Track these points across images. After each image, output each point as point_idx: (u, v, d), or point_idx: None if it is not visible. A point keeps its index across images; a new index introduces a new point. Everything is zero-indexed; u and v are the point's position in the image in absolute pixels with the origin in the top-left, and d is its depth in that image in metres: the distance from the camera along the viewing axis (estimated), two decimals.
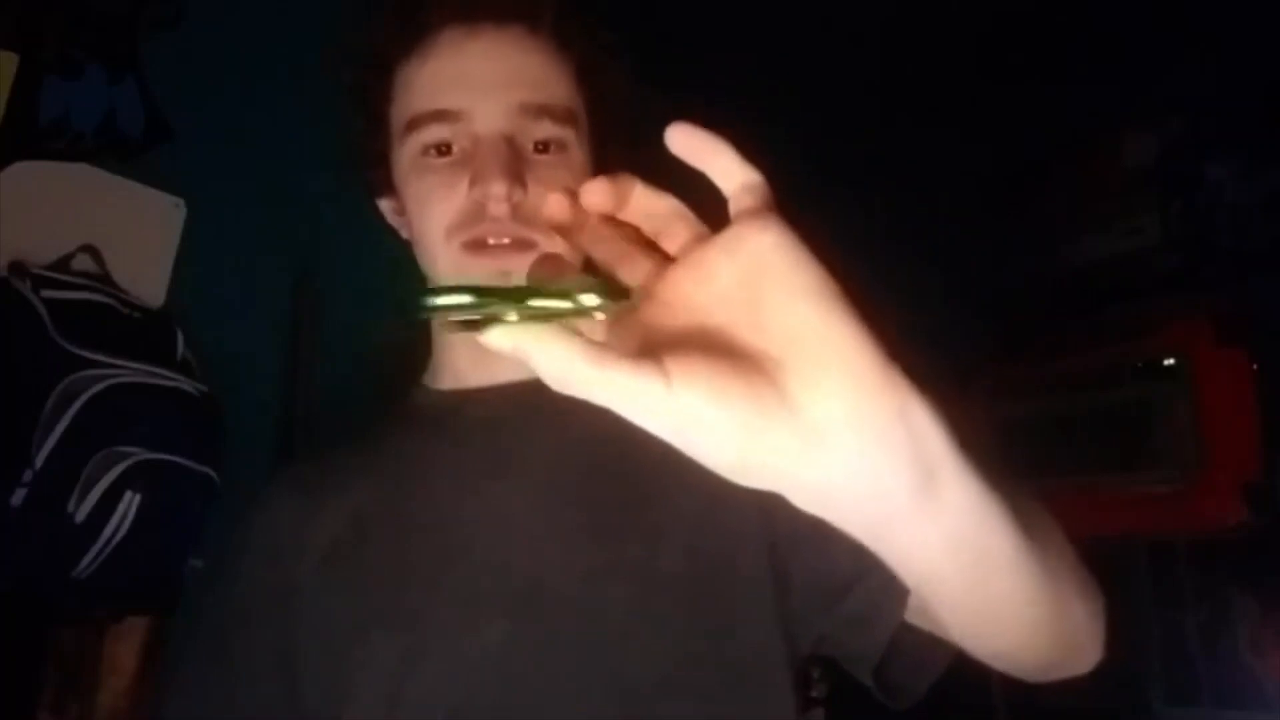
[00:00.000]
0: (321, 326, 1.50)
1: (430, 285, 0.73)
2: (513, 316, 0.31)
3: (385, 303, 1.55)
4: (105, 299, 1.21)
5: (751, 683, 0.62)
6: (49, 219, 1.25)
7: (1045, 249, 2.22)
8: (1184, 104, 1.98)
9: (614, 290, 0.34)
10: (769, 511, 0.33)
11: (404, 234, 0.75)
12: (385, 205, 0.77)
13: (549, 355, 0.30)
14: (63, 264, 1.23)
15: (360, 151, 0.76)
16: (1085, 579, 0.49)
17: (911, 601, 0.58)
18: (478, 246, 0.66)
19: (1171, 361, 1.86)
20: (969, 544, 0.36)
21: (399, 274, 1.61)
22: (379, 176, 0.74)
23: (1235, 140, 1.90)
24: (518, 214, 0.65)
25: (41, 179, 1.26)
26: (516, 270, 0.65)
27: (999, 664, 0.48)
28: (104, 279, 1.25)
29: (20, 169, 1.24)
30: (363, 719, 0.61)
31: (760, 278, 0.32)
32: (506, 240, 0.66)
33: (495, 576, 0.63)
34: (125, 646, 1.23)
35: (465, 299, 0.31)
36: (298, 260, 1.50)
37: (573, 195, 0.36)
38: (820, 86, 2.02)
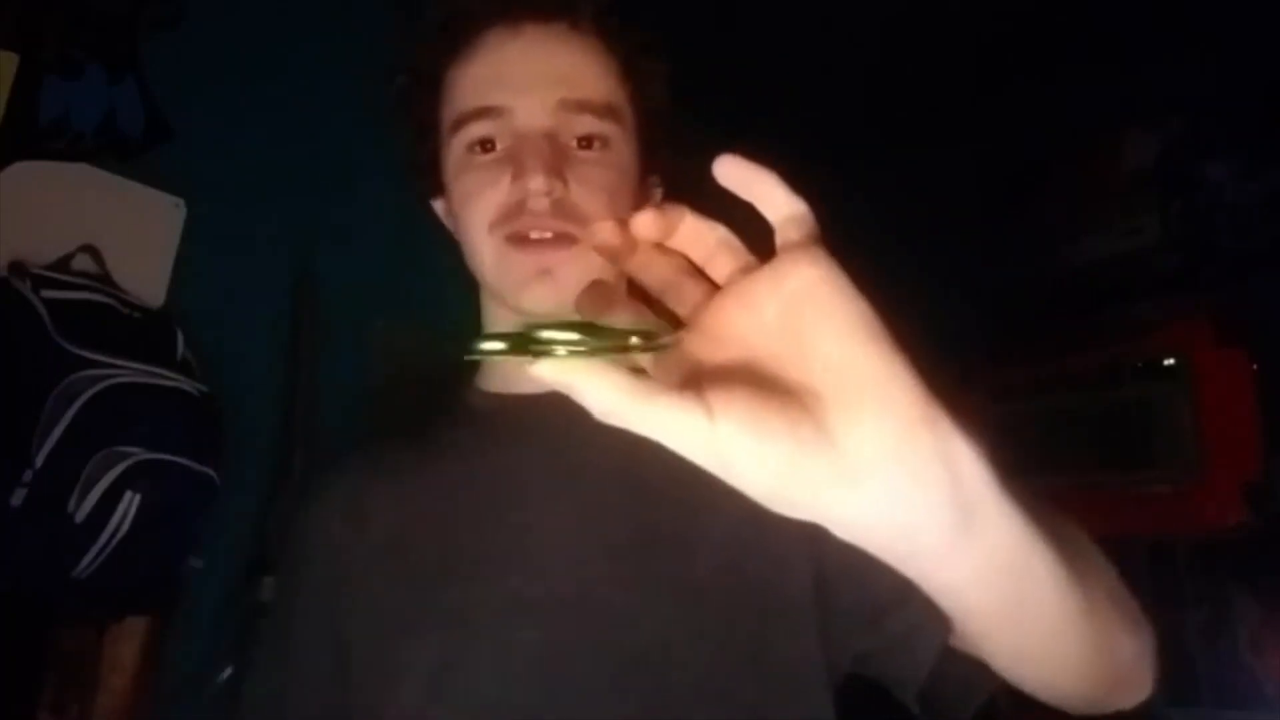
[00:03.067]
0: (321, 326, 1.50)
1: (479, 325, 0.76)
2: (561, 351, 0.32)
3: (385, 302, 1.56)
4: (105, 299, 1.22)
5: (790, 696, 0.62)
6: (49, 219, 1.25)
7: (1045, 249, 2.21)
8: (1184, 104, 1.98)
9: (650, 332, 0.34)
10: (815, 529, 0.33)
11: (454, 234, 0.75)
12: (438, 206, 0.78)
13: (595, 390, 0.31)
14: (63, 264, 1.23)
15: (412, 155, 0.77)
16: (1132, 612, 0.49)
17: (956, 627, 0.57)
18: (519, 241, 0.67)
19: (1171, 361, 1.86)
20: (1008, 581, 0.37)
21: (399, 273, 1.62)
22: (431, 179, 0.75)
23: (1235, 140, 1.90)
24: (558, 209, 0.66)
25: (41, 179, 1.26)
26: (556, 267, 0.66)
27: (1042, 696, 0.48)
28: (104, 279, 1.25)
29: (20, 169, 1.24)
30: (401, 715, 0.62)
31: (804, 311, 0.33)
32: (548, 235, 0.67)
33: (537, 581, 0.64)
34: (125, 646, 1.23)
35: (503, 345, 0.32)
36: (298, 260, 1.51)
37: (623, 223, 0.37)
38: (819, 86, 2.02)
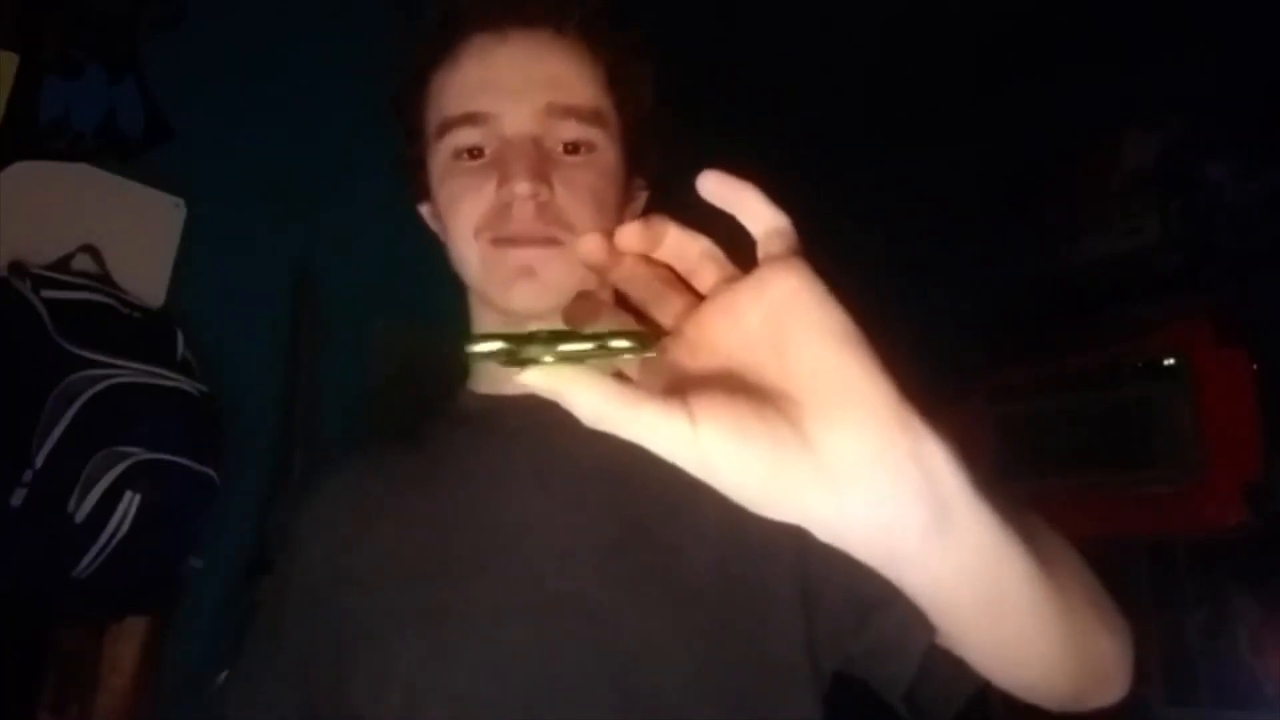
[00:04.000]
0: (321, 326, 1.50)
1: (467, 329, 0.76)
2: (548, 358, 0.33)
3: (385, 302, 1.56)
4: (105, 299, 1.22)
5: (779, 695, 0.63)
6: (49, 219, 1.25)
7: (1045, 249, 2.21)
8: (1184, 104, 1.98)
9: (641, 335, 0.35)
10: (801, 530, 0.35)
11: (441, 238, 0.76)
12: (425, 210, 0.79)
13: (583, 396, 0.32)
14: (63, 264, 1.23)
15: (400, 159, 0.77)
16: (1108, 609, 0.50)
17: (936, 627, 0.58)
18: (503, 242, 0.68)
19: (1171, 361, 1.86)
20: (983, 578, 0.38)
21: (398, 273, 1.62)
22: (418, 182, 0.76)
23: (1235, 140, 1.90)
24: (543, 213, 0.66)
25: (41, 179, 1.26)
26: (539, 267, 0.67)
27: (1020, 694, 0.49)
28: (104, 279, 1.25)
29: (20, 169, 1.24)
30: (388, 713, 0.63)
31: (784, 320, 0.34)
32: (534, 239, 0.67)
33: (525, 581, 0.64)
34: (125, 646, 1.23)
35: (499, 346, 0.33)
36: (298, 260, 1.51)
37: (608, 236, 0.38)
38: (820, 87, 2.02)
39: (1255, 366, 1.79)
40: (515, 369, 0.33)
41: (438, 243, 0.77)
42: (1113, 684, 0.52)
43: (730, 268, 0.38)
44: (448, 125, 0.70)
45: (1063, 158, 2.23)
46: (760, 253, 0.37)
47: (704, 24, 1.76)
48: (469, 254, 0.70)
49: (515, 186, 0.65)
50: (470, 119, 0.69)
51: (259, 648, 0.76)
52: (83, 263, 1.25)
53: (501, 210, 0.67)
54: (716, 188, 0.37)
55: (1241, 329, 1.81)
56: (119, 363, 1.15)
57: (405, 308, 1.55)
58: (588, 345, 0.33)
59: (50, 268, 1.21)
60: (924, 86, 2.06)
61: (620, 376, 0.34)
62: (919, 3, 1.84)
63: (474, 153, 0.69)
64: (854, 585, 0.60)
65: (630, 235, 0.38)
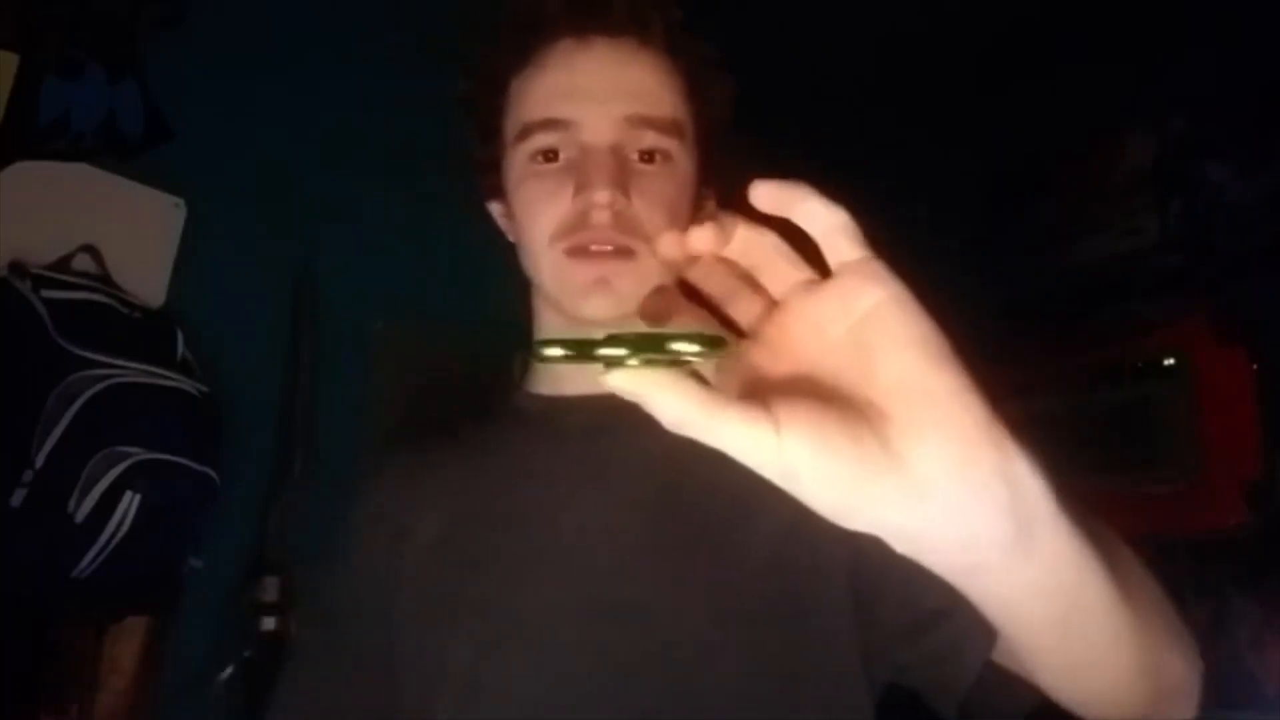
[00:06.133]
0: (321, 326, 1.50)
1: (544, 336, 0.75)
2: (632, 361, 0.32)
3: (385, 302, 1.56)
4: (105, 299, 1.22)
5: (827, 704, 0.63)
6: (49, 219, 1.25)
7: (1045, 249, 2.21)
8: (1184, 104, 1.98)
9: (711, 339, 0.34)
10: (856, 536, 0.34)
11: (510, 237, 0.76)
12: (495, 208, 0.79)
13: (667, 401, 0.31)
14: (63, 264, 1.23)
15: (473, 158, 0.78)
16: (1178, 626, 0.49)
17: (999, 643, 0.57)
18: (579, 252, 0.68)
19: (1171, 361, 1.86)
20: (1062, 594, 0.37)
21: (398, 273, 1.62)
22: (491, 182, 0.76)
23: (1235, 140, 1.90)
24: (619, 222, 0.67)
25: (41, 179, 1.26)
26: (614, 277, 0.67)
27: (1088, 712, 0.48)
28: (104, 279, 1.25)
29: (20, 169, 1.24)
30: (444, 710, 0.64)
31: (870, 332, 0.34)
32: (609, 248, 0.67)
33: (576, 582, 0.65)
34: (125, 646, 1.23)
35: (565, 352, 0.32)
36: (297, 260, 1.51)
37: (681, 236, 0.37)
38: (819, 86, 2.02)
39: (1255, 366, 1.78)
40: (597, 370, 0.32)
41: (505, 241, 0.77)
42: (1181, 703, 0.51)
43: (803, 266, 0.37)
44: (528, 130, 0.70)
45: (1063, 158, 2.23)
46: (828, 255, 0.36)
47: (702, 24, 1.76)
48: (543, 261, 0.70)
49: (593, 195, 0.66)
50: (550, 124, 0.69)
51: (316, 643, 0.76)
52: (83, 263, 1.25)
53: (578, 218, 0.67)
54: (768, 194, 0.36)
55: (1241, 329, 1.80)
56: (119, 363, 1.15)
57: (405, 308, 1.55)
58: (655, 353, 0.32)
59: (50, 268, 1.21)
60: (923, 87, 2.06)
61: (695, 375, 0.33)
62: (920, 3, 1.84)
63: (549, 155, 0.69)
64: (911, 593, 0.60)
65: (702, 237, 0.37)
